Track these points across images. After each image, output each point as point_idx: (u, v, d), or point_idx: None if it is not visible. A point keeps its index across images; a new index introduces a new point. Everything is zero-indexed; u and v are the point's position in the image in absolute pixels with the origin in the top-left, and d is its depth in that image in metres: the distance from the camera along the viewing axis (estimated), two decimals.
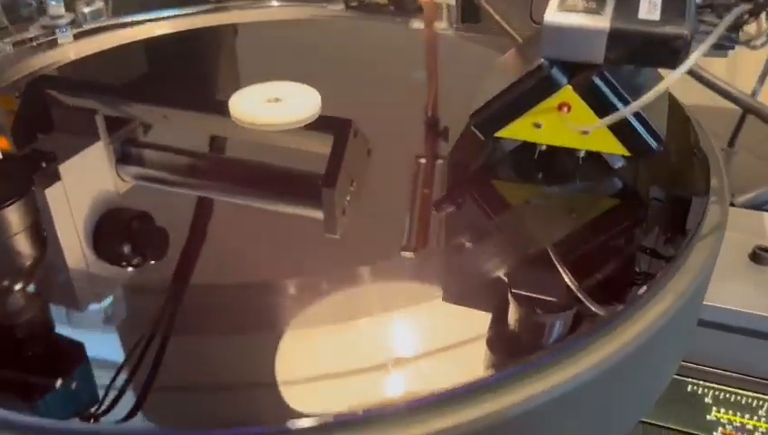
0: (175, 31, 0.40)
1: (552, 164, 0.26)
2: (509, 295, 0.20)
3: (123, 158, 0.29)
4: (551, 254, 0.22)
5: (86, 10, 0.42)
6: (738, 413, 0.34)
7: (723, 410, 0.34)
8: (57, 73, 0.38)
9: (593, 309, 0.19)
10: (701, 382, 0.34)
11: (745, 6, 0.22)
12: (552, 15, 0.22)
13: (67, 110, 0.35)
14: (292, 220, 0.26)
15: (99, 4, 0.42)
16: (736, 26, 0.23)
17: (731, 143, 0.57)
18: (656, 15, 0.21)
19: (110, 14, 0.43)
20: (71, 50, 0.39)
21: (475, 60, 0.32)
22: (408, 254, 0.23)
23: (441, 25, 0.35)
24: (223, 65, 0.40)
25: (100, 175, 0.28)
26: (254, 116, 0.29)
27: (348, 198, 0.25)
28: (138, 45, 0.39)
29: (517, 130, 0.25)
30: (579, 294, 0.20)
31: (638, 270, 0.23)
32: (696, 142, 0.28)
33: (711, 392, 0.34)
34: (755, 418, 0.33)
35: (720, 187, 0.25)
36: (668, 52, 0.21)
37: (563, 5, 0.22)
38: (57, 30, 0.40)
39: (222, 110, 0.29)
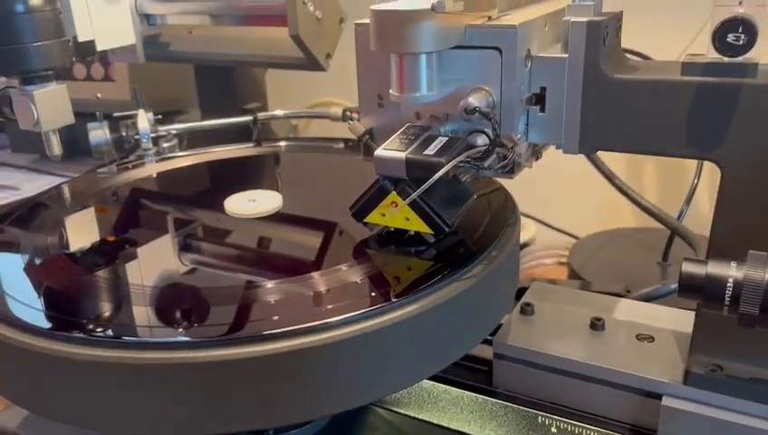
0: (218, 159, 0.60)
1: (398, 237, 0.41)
2: None
3: (184, 247, 0.47)
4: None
5: (165, 145, 0.63)
6: None
7: None
8: (143, 187, 0.58)
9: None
10: (548, 415, 0.46)
11: (482, 148, 0.38)
12: (379, 151, 0.39)
13: (148, 211, 0.54)
14: None
15: (174, 141, 0.64)
16: (483, 158, 0.38)
17: (665, 257, 0.69)
18: (431, 152, 0.38)
19: (182, 148, 0.64)
20: (153, 170, 0.59)
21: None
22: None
23: None
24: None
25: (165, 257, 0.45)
26: (241, 209, 0.47)
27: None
28: (193, 168, 0.60)
29: (374, 218, 0.41)
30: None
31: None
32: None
33: (554, 423, 0.45)
34: None
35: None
36: (433, 170, 0.37)
37: (389, 144, 0.39)
38: (146, 158, 0.61)
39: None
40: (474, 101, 0.39)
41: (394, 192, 0.39)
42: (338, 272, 0.38)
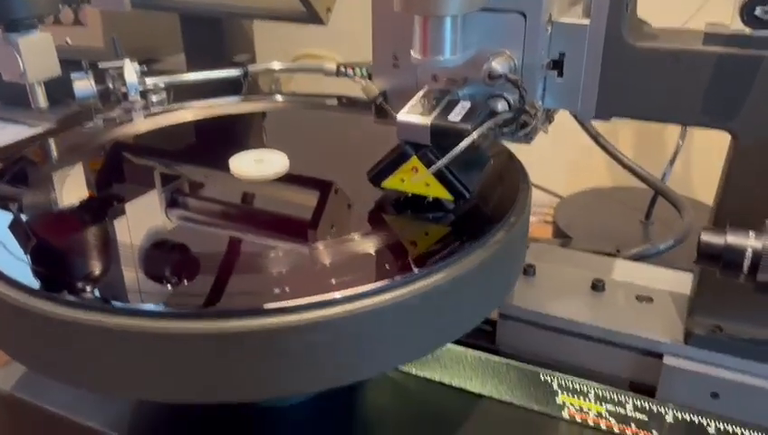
0: (211, 116, 0.58)
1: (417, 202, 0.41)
2: None
3: (170, 203, 0.45)
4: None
5: (154, 99, 0.61)
6: (576, 397, 0.47)
7: (566, 394, 0.47)
8: (130, 142, 0.56)
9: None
10: (550, 372, 0.47)
11: (509, 114, 0.38)
12: (402, 115, 0.38)
13: (134, 167, 0.53)
14: None
15: (162, 95, 0.61)
16: (506, 124, 0.39)
17: (647, 216, 0.71)
18: (457, 119, 0.37)
19: (171, 101, 0.62)
20: (141, 126, 0.57)
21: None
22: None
23: None
24: (241, 137, 0.58)
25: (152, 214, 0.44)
26: (248, 171, 0.46)
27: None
28: (185, 125, 0.58)
29: (392, 183, 0.40)
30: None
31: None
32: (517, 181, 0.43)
33: (556, 380, 0.47)
34: (587, 400, 0.46)
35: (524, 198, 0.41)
36: (460, 137, 0.37)
37: (411, 109, 0.38)
38: (133, 111, 0.59)
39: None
40: (498, 66, 0.39)
41: (415, 157, 0.39)
42: (358, 241, 0.38)
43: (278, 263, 0.37)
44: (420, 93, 0.40)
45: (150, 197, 0.45)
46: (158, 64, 0.82)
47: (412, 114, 0.38)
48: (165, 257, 0.38)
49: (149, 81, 0.60)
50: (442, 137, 0.37)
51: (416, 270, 0.34)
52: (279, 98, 0.59)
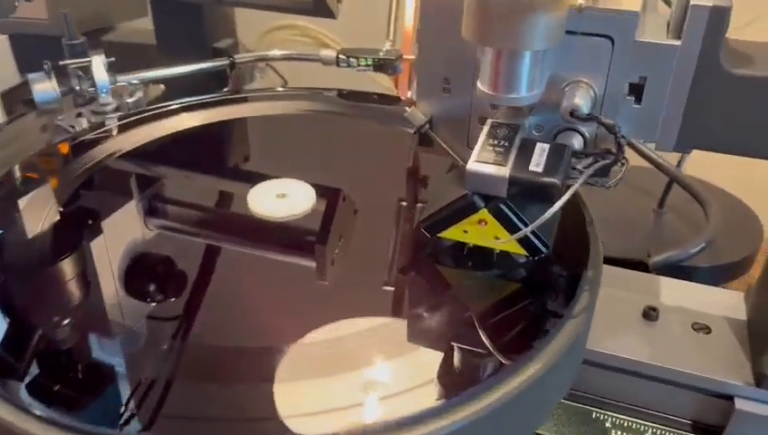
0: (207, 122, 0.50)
1: (477, 256, 0.36)
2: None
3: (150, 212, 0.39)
4: (474, 319, 0.33)
5: (129, 100, 0.52)
6: None
7: (619, 433, 0.44)
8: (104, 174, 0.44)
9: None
10: (602, 411, 0.44)
11: (606, 161, 0.33)
12: (472, 165, 0.32)
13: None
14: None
15: (139, 95, 0.53)
16: (604, 171, 0.33)
17: (660, 204, 0.68)
18: (540, 169, 0.32)
19: (146, 102, 0.53)
20: (125, 141, 0.48)
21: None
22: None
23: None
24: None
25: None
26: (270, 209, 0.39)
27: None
28: (175, 138, 0.49)
29: (452, 234, 0.35)
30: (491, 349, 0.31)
31: (525, 337, 0.33)
32: (587, 241, 0.38)
33: (610, 419, 0.44)
34: None
35: (595, 277, 0.35)
36: (546, 195, 0.31)
37: (480, 157, 0.32)
38: (107, 119, 0.50)
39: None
40: (580, 101, 0.33)
41: (485, 210, 0.33)
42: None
43: None
44: (485, 131, 0.34)
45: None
46: (115, 33, 0.72)
47: (484, 163, 0.32)
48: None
49: (122, 78, 0.51)
50: (523, 191, 0.31)
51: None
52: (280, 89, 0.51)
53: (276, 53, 0.56)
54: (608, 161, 0.32)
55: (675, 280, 0.49)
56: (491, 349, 0.30)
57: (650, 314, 0.45)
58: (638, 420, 0.43)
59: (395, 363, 0.30)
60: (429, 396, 0.28)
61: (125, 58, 0.54)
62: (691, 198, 0.64)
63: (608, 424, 0.43)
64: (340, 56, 0.55)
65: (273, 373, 0.28)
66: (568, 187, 0.31)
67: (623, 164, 0.32)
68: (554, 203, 0.31)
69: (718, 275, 0.59)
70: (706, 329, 0.44)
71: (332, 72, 0.56)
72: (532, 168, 0.32)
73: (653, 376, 0.42)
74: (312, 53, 0.55)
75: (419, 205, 0.41)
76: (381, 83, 0.66)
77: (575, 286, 0.34)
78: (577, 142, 0.34)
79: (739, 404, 0.40)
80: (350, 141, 0.50)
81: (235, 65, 0.54)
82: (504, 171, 0.31)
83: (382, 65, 0.54)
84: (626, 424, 0.43)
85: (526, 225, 0.33)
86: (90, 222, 0.39)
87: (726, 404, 0.41)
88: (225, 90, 0.55)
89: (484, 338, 0.31)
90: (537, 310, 0.34)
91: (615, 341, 0.43)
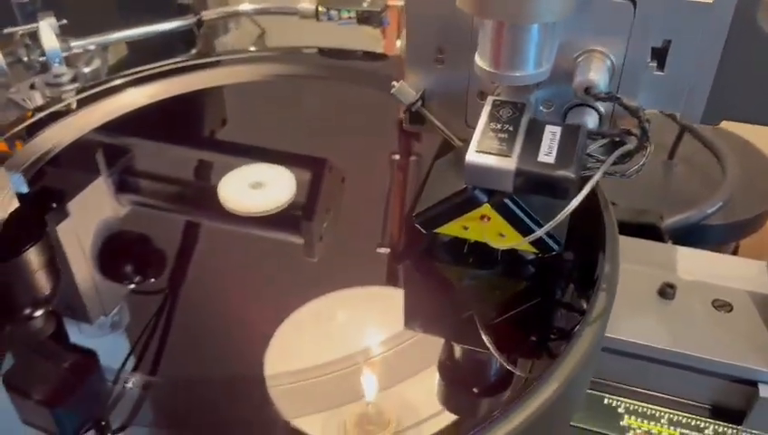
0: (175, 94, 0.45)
1: (478, 253, 0.32)
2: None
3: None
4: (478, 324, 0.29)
5: (86, 69, 0.47)
6: (644, 421, 0.41)
7: (633, 418, 0.41)
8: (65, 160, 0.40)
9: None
10: (615, 397, 0.41)
11: (628, 147, 0.28)
12: (471, 156, 0.28)
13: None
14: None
15: (96, 63, 0.47)
16: (623, 157, 0.29)
17: (671, 156, 0.63)
18: (551, 159, 0.27)
19: (106, 70, 0.48)
20: (87, 119, 0.43)
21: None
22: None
23: None
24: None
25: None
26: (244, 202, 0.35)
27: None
28: (140, 113, 0.44)
29: (450, 230, 0.31)
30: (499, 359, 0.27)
31: (536, 343, 0.30)
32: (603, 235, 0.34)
33: (623, 405, 0.41)
34: (658, 425, 0.41)
35: (612, 272, 0.32)
36: (560, 190, 0.27)
37: (480, 146, 0.28)
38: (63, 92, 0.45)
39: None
40: (596, 76, 0.28)
41: (487, 205, 0.29)
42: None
43: None
44: (486, 112, 0.29)
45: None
46: None
47: (485, 153, 0.27)
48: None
49: (76, 43, 0.46)
50: (532, 185, 0.27)
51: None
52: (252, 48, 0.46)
53: (248, 6, 0.50)
54: (630, 147, 0.27)
55: (692, 250, 0.45)
56: (505, 364, 0.27)
57: (667, 291, 0.41)
58: (653, 406, 0.40)
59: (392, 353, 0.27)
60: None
61: (83, 17, 0.48)
62: (704, 147, 0.60)
63: (620, 410, 0.41)
64: (320, 8, 0.49)
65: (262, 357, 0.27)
66: (584, 179, 0.27)
67: (646, 148, 0.28)
68: (568, 199, 0.26)
69: (732, 233, 0.56)
70: (728, 306, 0.41)
71: (312, 24, 0.51)
72: (541, 158, 0.27)
73: (670, 362, 0.39)
74: (289, 6, 0.49)
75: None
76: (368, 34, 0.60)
77: (590, 285, 0.30)
78: (591, 120, 0.30)
79: (764, 391, 0.37)
80: (334, 110, 0.45)
81: (202, 23, 0.49)
82: (510, 163, 0.27)
83: (367, 17, 0.49)
84: (640, 410, 0.40)
85: (535, 221, 0.29)
86: (53, 206, 0.35)
87: (750, 390, 0.38)
88: (194, 51, 0.49)
89: (494, 352, 0.27)
90: (550, 315, 0.30)
91: (629, 324, 0.40)
